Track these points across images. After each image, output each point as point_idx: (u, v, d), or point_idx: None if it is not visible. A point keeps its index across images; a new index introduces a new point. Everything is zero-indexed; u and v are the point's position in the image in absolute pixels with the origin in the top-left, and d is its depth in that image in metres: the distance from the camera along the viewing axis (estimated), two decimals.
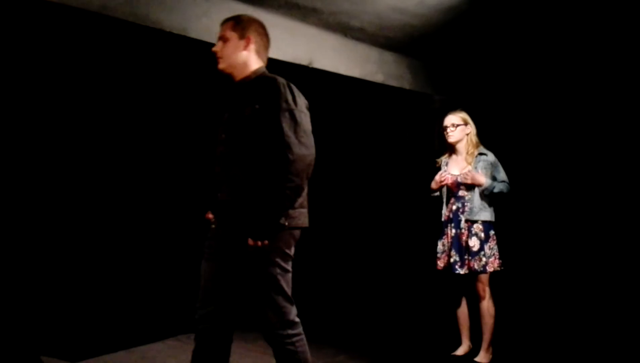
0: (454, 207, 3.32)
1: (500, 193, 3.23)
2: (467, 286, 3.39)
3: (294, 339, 2.17)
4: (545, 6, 3.57)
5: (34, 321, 3.65)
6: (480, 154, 3.32)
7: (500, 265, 3.26)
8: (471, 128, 3.37)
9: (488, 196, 3.24)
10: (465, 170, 3.29)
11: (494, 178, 3.27)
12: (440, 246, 3.40)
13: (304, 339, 2.21)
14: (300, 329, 2.21)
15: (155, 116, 4.70)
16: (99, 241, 4.31)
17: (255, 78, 2.19)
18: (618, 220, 4.58)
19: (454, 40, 4.40)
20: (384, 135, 5.67)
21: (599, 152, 4.76)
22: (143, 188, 4.62)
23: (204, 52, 3.94)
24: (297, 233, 2.22)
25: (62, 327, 3.63)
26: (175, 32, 3.30)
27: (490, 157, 3.32)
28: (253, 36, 2.21)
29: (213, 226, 2.21)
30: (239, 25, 2.21)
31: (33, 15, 3.52)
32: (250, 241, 2.04)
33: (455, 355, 3.43)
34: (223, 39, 2.22)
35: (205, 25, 3.49)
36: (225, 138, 2.16)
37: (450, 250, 3.31)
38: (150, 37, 3.37)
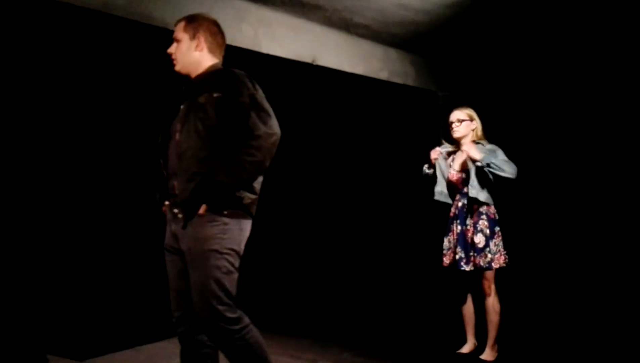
0: (460, 204, 3.31)
1: (500, 170, 3.11)
2: (473, 283, 3.37)
3: (243, 332, 2.08)
4: (549, 1, 3.55)
5: (40, 320, 3.66)
6: (476, 142, 3.27)
7: (506, 262, 3.25)
8: (477, 124, 3.36)
9: (487, 177, 3.19)
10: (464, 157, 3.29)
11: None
12: (446, 243, 3.39)
13: (254, 328, 2.13)
14: (246, 320, 2.11)
15: (158, 115, 4.69)
16: (106, 240, 4.32)
17: (212, 72, 2.20)
18: (625, 216, 4.56)
19: (458, 36, 4.38)
20: (388, 132, 5.65)
21: (605, 147, 4.73)
22: (148, 187, 4.62)
23: None
24: (246, 226, 2.16)
25: (68, 326, 3.64)
26: None
27: (488, 146, 3.27)
28: (204, 36, 2.21)
29: (170, 216, 2.18)
30: (190, 25, 2.21)
31: (35, 14, 3.52)
32: (203, 208, 2.02)
33: (460, 353, 3.42)
34: (176, 40, 2.23)
35: None
36: (181, 128, 2.13)
37: (455, 246, 3.29)
38: (153, 36, 3.37)
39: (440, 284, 4.09)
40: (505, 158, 3.21)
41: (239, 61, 4.27)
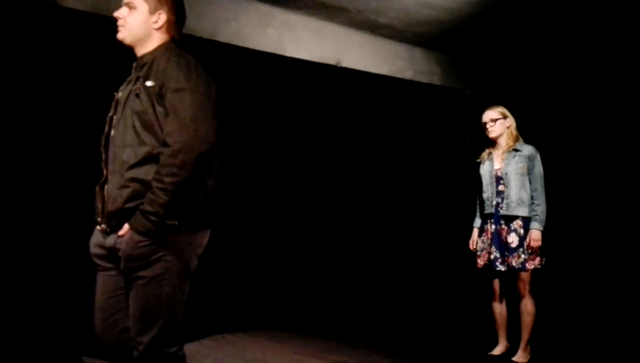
0: (494, 202, 3.26)
1: (544, 205, 3.18)
2: (508, 284, 3.31)
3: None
4: None
5: (75, 321, 3.76)
6: (515, 150, 3.25)
7: (542, 263, 3.18)
8: (511, 121, 3.31)
9: (528, 192, 3.18)
10: (500, 166, 3.25)
11: (528, 172, 3.21)
12: (480, 244, 3.34)
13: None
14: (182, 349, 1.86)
15: None
16: None
17: (157, 53, 1.85)
18: None
19: (483, 33, 4.32)
20: (415, 132, 5.61)
21: (636, 144, 4.59)
22: None
23: (233, 56, 3.99)
24: (198, 241, 1.86)
25: (94, 328, 3.72)
26: (205, 37, 3.34)
27: (526, 150, 3.24)
28: (168, 15, 1.89)
29: (99, 227, 1.86)
30: None
31: (37, 18, 3.50)
32: (125, 229, 1.73)
33: (491, 355, 3.37)
34: (130, 5, 1.86)
35: (234, 29, 3.52)
36: (117, 121, 1.83)
37: (490, 246, 3.25)
38: (178, 42, 3.41)
39: (471, 285, 4.04)
40: (539, 170, 3.22)
41: (264, 65, 4.33)
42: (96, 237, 1.88)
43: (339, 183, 5.62)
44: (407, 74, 4.65)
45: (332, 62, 4.11)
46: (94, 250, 1.89)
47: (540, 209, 3.17)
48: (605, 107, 4.75)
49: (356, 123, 5.61)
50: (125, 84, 1.90)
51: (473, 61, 5.10)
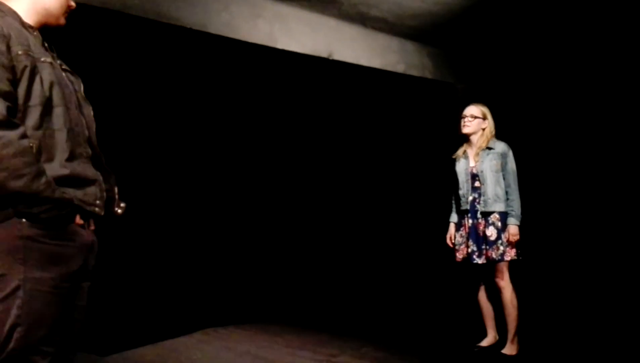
0: (470, 198, 3.32)
1: (518, 200, 3.23)
2: (487, 276, 3.36)
3: None
4: None
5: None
6: (488, 148, 3.29)
7: (518, 254, 3.24)
8: (488, 124, 3.34)
9: (503, 188, 3.24)
10: (475, 165, 3.30)
11: (503, 168, 3.25)
12: (458, 238, 3.41)
13: None
14: None
15: (177, 113, 4.74)
16: (126, 237, 4.38)
17: None
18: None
19: (476, 26, 4.32)
20: (405, 125, 5.61)
21: (623, 141, 4.63)
22: (166, 186, 4.67)
23: (224, 48, 3.97)
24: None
25: (91, 322, 3.71)
26: (195, 28, 3.31)
27: (499, 148, 3.29)
28: None
29: None
30: None
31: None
32: None
33: (480, 346, 3.40)
34: None
35: (225, 21, 3.49)
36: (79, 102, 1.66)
37: (467, 240, 3.32)
38: (168, 34, 3.39)
39: (457, 278, 4.07)
40: (513, 166, 3.26)
41: (255, 57, 4.31)
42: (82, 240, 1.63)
43: (330, 176, 5.62)
44: (399, 68, 4.65)
45: (323, 54, 4.10)
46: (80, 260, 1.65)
47: (515, 205, 3.23)
48: (595, 102, 4.78)
49: (348, 116, 5.60)
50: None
51: (465, 55, 5.10)
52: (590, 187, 4.80)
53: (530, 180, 3.39)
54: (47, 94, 1.50)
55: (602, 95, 4.74)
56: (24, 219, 1.43)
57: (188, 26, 3.29)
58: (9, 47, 1.44)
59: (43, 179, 1.43)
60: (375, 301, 4.86)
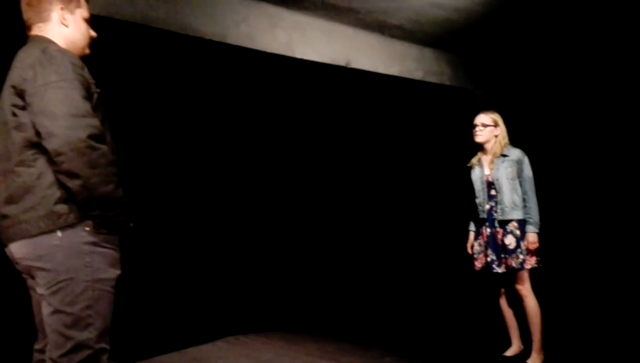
0: (487, 206, 3.28)
1: (536, 207, 3.18)
2: (508, 285, 3.31)
3: None
4: None
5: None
6: (503, 155, 3.25)
7: (538, 262, 3.18)
8: (500, 130, 3.30)
9: (520, 195, 3.20)
10: (490, 172, 3.27)
11: (518, 175, 3.21)
12: (476, 247, 3.37)
13: None
14: None
15: (199, 123, 4.79)
16: (147, 245, 4.44)
17: None
18: None
19: (494, 33, 4.30)
20: (425, 132, 5.59)
21: None
22: (191, 195, 4.72)
23: (243, 58, 4.02)
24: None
25: (114, 330, 3.76)
26: (215, 39, 3.36)
27: (514, 155, 3.24)
28: None
29: None
30: None
31: None
32: None
33: (505, 356, 3.35)
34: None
35: (244, 32, 3.54)
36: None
37: (486, 249, 3.27)
38: (189, 45, 3.44)
39: (477, 287, 4.02)
40: (529, 172, 3.20)
41: (273, 67, 4.35)
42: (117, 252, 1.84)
43: (351, 184, 5.62)
44: (417, 75, 4.64)
45: (341, 63, 4.11)
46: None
47: (533, 212, 3.18)
48: (616, 108, 4.70)
49: (367, 124, 5.61)
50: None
51: (483, 61, 5.08)
52: (611, 192, 4.71)
53: (549, 186, 3.34)
54: (101, 118, 1.70)
55: (622, 100, 4.67)
56: (87, 227, 1.62)
57: (208, 38, 3.34)
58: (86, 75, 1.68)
59: (121, 188, 1.66)
60: (397, 310, 4.83)
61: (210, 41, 3.36)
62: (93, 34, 1.85)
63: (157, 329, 3.93)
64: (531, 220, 3.17)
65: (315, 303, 4.91)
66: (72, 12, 1.77)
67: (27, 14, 1.75)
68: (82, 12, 1.80)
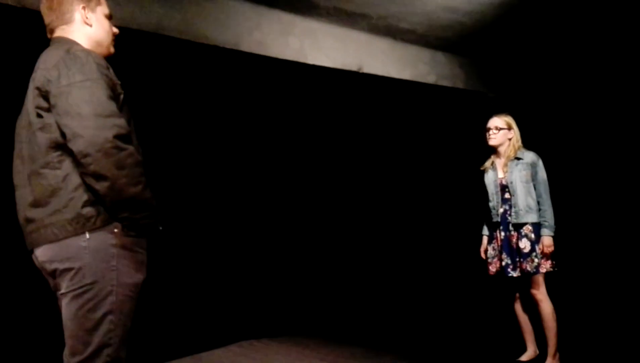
0: (501, 210, 3.26)
1: (551, 210, 3.15)
2: (523, 289, 3.28)
3: None
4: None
5: None
6: (517, 158, 3.22)
7: (553, 266, 3.15)
8: (514, 133, 3.29)
9: (534, 198, 3.17)
10: (504, 176, 3.25)
11: (532, 178, 3.19)
12: (490, 251, 3.34)
13: None
14: None
15: (211, 129, 4.84)
16: (161, 250, 4.48)
17: None
18: None
19: (506, 36, 4.28)
20: (438, 136, 5.57)
21: None
22: (204, 201, 4.76)
23: (256, 65, 4.05)
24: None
25: (132, 334, 3.80)
26: (228, 47, 3.40)
27: (528, 158, 3.22)
28: None
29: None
30: None
31: None
32: None
33: (520, 361, 3.32)
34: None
35: (257, 39, 3.57)
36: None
37: (501, 253, 3.25)
38: (202, 53, 3.48)
39: (491, 292, 3.99)
40: (543, 176, 3.18)
41: (286, 74, 4.38)
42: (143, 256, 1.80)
43: (366, 189, 5.62)
44: (430, 79, 4.63)
45: (354, 68, 4.13)
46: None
47: (548, 215, 3.15)
48: (631, 111, 4.65)
49: (380, 129, 5.61)
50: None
51: (496, 64, 5.05)
52: (627, 195, 4.65)
53: (564, 189, 3.31)
54: (127, 118, 1.67)
55: (637, 103, 4.61)
56: (116, 230, 1.58)
57: (221, 45, 3.38)
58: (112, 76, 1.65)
59: (149, 189, 1.61)
60: (411, 315, 4.81)
61: (224, 49, 3.40)
62: (115, 30, 1.83)
63: (170, 334, 3.96)
64: (546, 223, 3.14)
65: (329, 308, 4.91)
66: (93, 10, 1.75)
67: (49, 17, 1.73)
68: (103, 9, 1.78)
